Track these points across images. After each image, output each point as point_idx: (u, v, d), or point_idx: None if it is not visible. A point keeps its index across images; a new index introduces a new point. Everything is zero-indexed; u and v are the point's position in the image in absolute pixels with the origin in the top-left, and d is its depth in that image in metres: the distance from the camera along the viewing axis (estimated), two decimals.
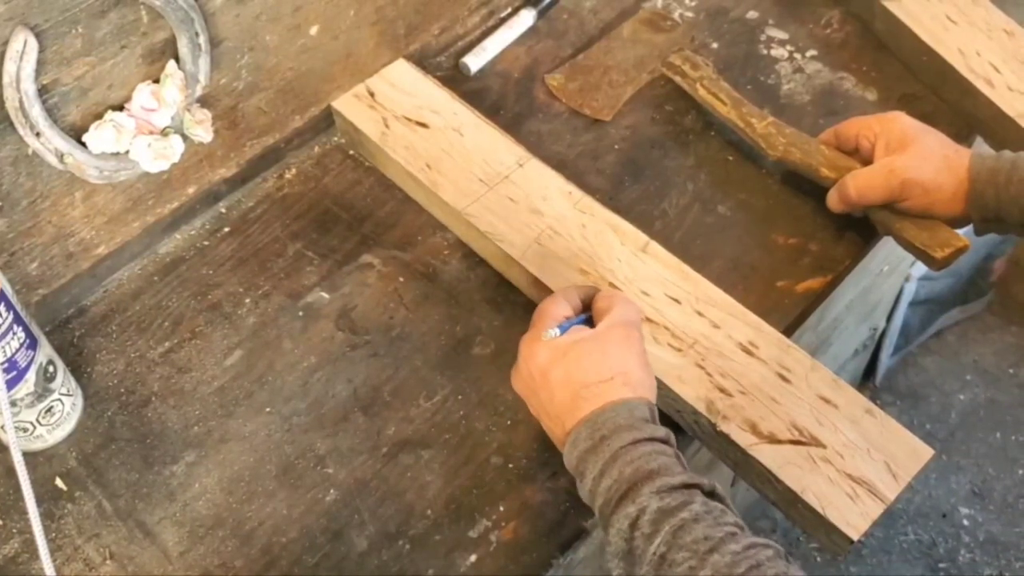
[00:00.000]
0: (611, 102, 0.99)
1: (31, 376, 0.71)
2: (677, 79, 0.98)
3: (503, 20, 1.06)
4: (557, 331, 0.71)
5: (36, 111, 0.70)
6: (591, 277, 0.82)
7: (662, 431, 0.67)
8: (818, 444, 0.73)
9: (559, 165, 0.91)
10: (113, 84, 0.75)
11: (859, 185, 0.84)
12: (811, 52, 1.05)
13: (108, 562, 0.71)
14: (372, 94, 0.95)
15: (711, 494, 0.63)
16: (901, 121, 0.85)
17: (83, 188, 0.79)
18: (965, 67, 0.97)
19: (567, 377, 0.69)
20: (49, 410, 0.74)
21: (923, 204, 0.82)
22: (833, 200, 0.87)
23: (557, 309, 0.73)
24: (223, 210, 0.91)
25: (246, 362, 0.82)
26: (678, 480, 0.63)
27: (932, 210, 0.82)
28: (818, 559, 1.67)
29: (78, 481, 0.75)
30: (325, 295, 0.86)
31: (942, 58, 0.98)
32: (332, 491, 0.75)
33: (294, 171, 0.95)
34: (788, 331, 0.83)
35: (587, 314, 0.74)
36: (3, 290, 0.67)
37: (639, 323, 0.73)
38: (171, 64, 0.78)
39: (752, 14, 1.09)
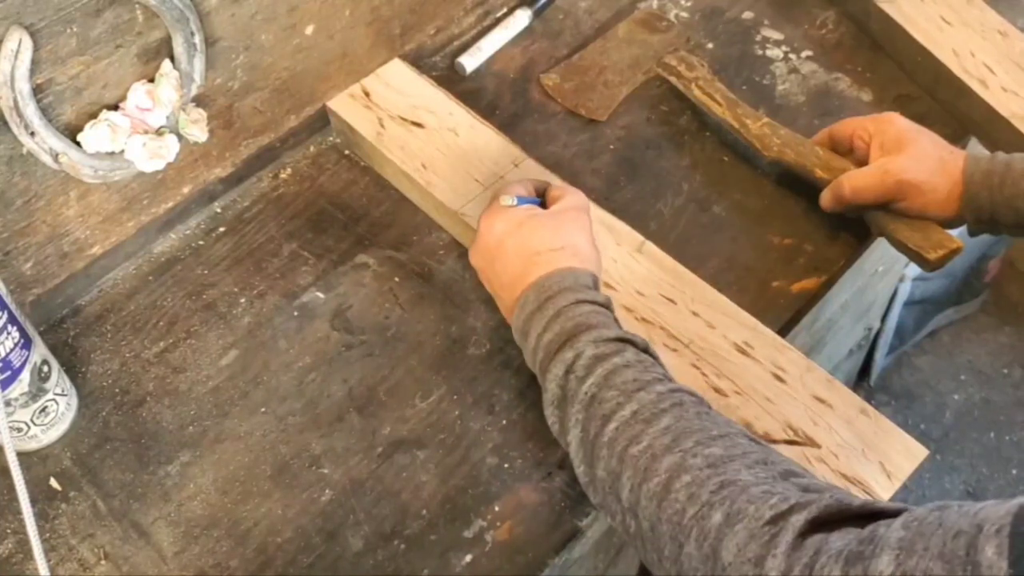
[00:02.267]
0: (606, 102, 0.99)
1: (25, 376, 0.71)
2: (672, 80, 0.98)
3: (499, 20, 1.06)
4: (515, 200, 0.78)
5: (31, 110, 0.70)
6: None
7: (603, 297, 0.72)
8: (813, 444, 0.73)
9: (555, 165, 0.91)
10: (108, 83, 0.75)
11: (854, 185, 0.84)
12: (806, 53, 1.05)
13: (103, 562, 0.71)
14: (367, 94, 0.95)
15: (644, 350, 0.69)
16: (896, 122, 0.85)
17: (78, 188, 0.78)
18: (959, 68, 0.97)
19: (521, 245, 0.74)
20: (43, 410, 0.74)
21: (918, 205, 0.82)
22: (827, 200, 0.87)
23: (514, 187, 0.80)
24: (218, 210, 0.91)
25: (241, 362, 0.81)
26: (614, 334, 0.68)
27: (926, 211, 0.83)
28: None
29: (72, 481, 0.75)
30: (320, 295, 0.85)
31: (936, 59, 0.98)
32: (327, 491, 0.75)
33: (289, 171, 0.94)
34: (783, 331, 0.83)
35: (540, 199, 0.81)
36: None
37: (588, 209, 0.80)
38: (166, 63, 0.77)
39: (747, 15, 1.09)
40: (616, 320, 0.72)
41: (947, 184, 0.81)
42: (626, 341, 0.68)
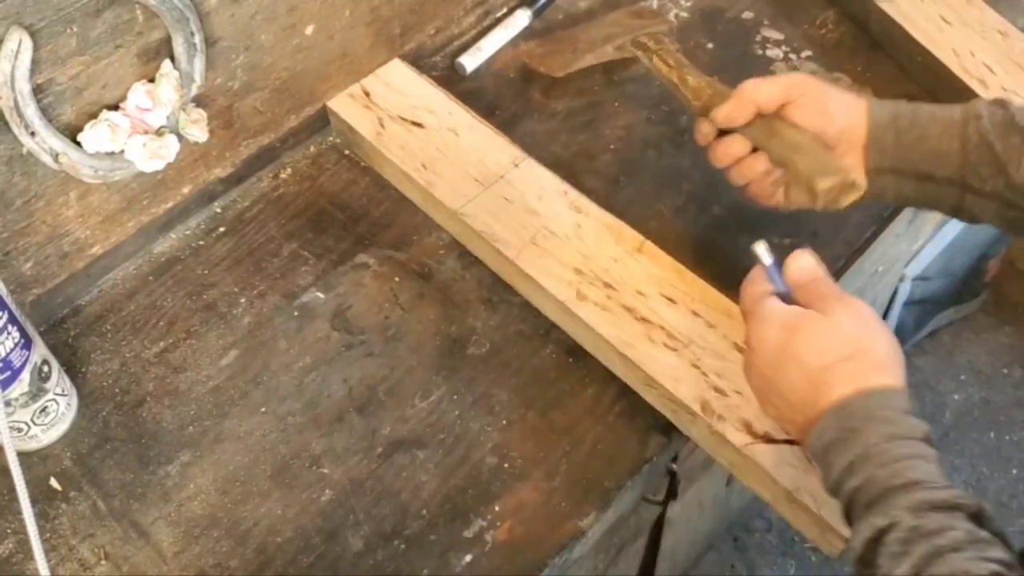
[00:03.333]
0: (566, 63, 0.98)
1: (26, 376, 0.71)
2: (639, 54, 0.93)
3: (499, 20, 1.06)
4: (770, 258, 0.68)
5: (31, 110, 0.70)
6: (586, 277, 0.82)
7: (923, 428, 0.58)
8: None
9: (554, 165, 0.91)
10: (108, 83, 0.75)
11: (751, 85, 0.77)
12: (806, 52, 1.05)
13: (103, 562, 0.71)
14: (367, 94, 0.95)
15: (977, 517, 0.54)
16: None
17: (78, 188, 0.78)
18: (959, 67, 0.97)
19: (800, 360, 0.62)
20: (44, 410, 0.74)
21: (817, 113, 0.75)
22: (725, 109, 0.78)
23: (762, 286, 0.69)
24: (218, 210, 0.91)
25: (241, 362, 0.81)
26: (940, 497, 0.54)
27: (830, 115, 0.75)
28: (813, 559, 1.68)
29: (73, 481, 0.75)
30: (320, 295, 0.85)
31: (936, 58, 0.98)
32: (327, 491, 0.75)
33: (289, 171, 0.94)
34: None
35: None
36: None
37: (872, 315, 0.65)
38: (166, 63, 0.77)
39: (747, 14, 1.09)
40: (941, 459, 0.58)
41: (849, 115, 0.76)
42: (955, 508, 0.54)
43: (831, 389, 0.60)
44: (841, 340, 0.62)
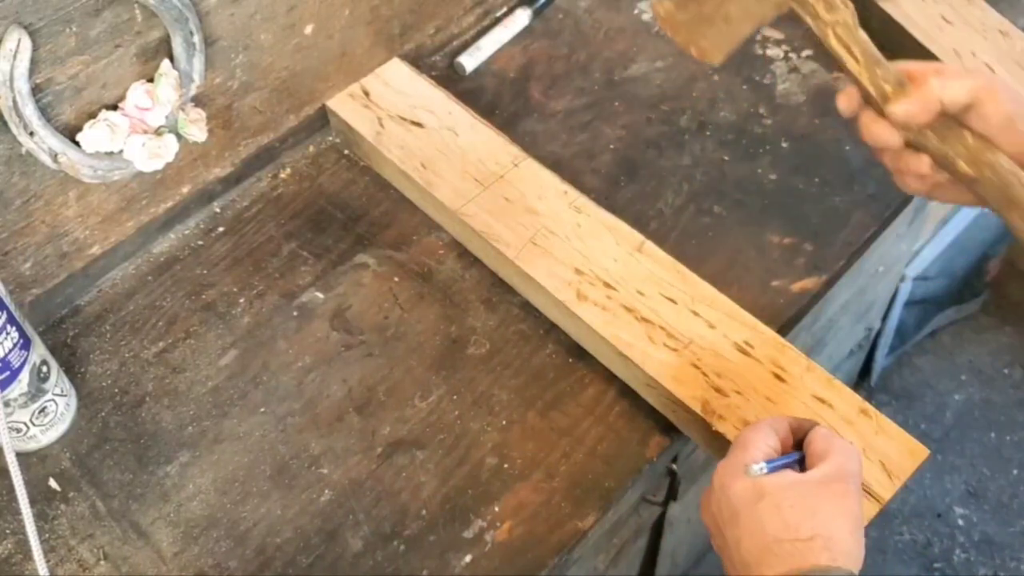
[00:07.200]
0: (723, 43, 0.80)
1: (25, 376, 0.71)
2: (807, 20, 0.76)
3: (498, 20, 1.06)
4: (765, 467, 0.63)
5: (30, 110, 0.70)
6: (586, 277, 0.82)
7: None
8: None
9: (554, 165, 0.91)
10: (107, 83, 0.75)
11: (937, 83, 0.66)
12: (806, 52, 1.05)
13: (102, 563, 0.71)
14: (367, 93, 0.95)
15: None
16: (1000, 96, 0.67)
17: (77, 187, 0.78)
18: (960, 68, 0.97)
19: (759, 525, 0.61)
20: (43, 410, 0.74)
21: (1001, 125, 0.65)
22: (901, 110, 0.67)
23: (764, 440, 0.65)
24: (217, 210, 0.91)
25: (240, 362, 0.81)
26: None
27: (1011, 141, 0.66)
28: None
29: (72, 481, 0.75)
30: (320, 295, 0.85)
31: (937, 58, 0.98)
32: (327, 491, 0.75)
33: (289, 171, 0.94)
34: (783, 331, 0.83)
35: (799, 453, 0.66)
36: None
37: (859, 476, 0.63)
38: (165, 63, 0.77)
39: None
40: None
41: None
42: None
43: (779, 562, 0.59)
44: (808, 520, 0.60)
